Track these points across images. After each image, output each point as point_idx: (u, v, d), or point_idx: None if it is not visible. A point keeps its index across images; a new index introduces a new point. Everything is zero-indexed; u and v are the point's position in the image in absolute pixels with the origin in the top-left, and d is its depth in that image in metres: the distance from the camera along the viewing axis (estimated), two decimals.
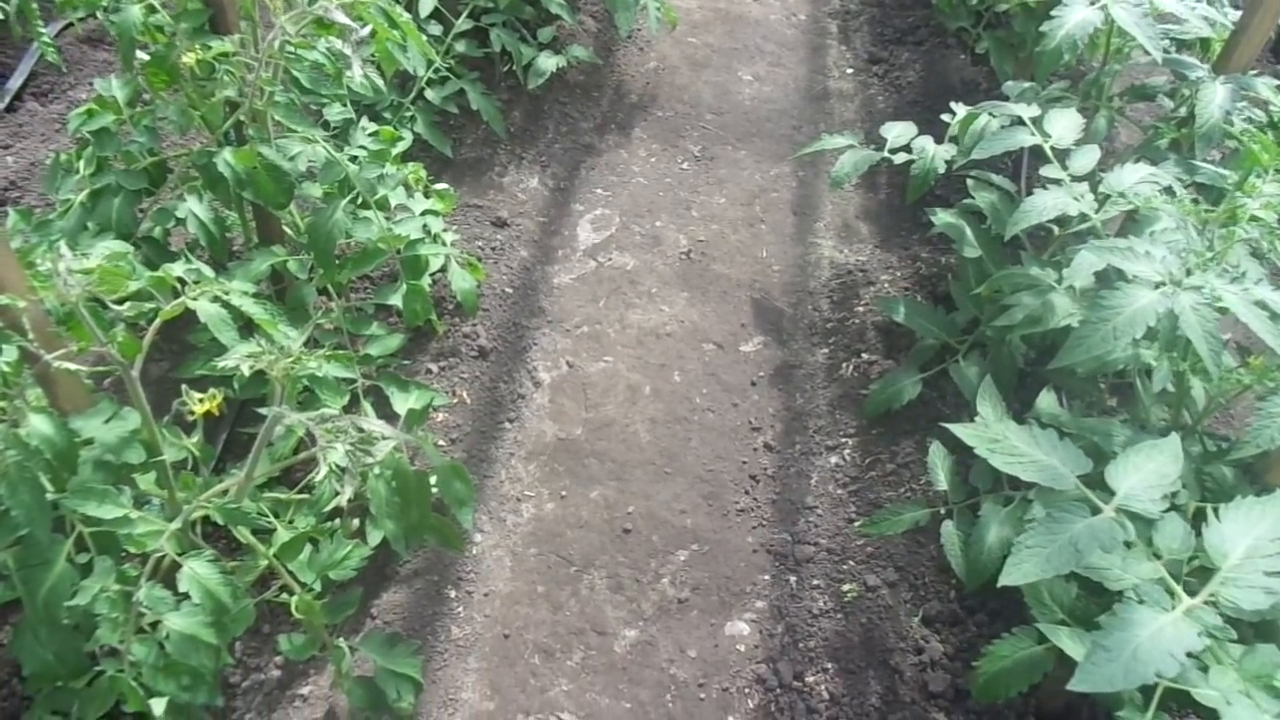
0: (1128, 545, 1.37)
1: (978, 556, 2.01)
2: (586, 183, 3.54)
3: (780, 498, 2.67)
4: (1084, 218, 2.10)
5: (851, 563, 2.54)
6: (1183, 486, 1.67)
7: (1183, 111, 2.59)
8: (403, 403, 1.89)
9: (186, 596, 1.44)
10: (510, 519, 2.57)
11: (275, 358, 1.39)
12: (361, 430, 1.44)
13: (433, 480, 1.84)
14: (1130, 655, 1.23)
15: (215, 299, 1.55)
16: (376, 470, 1.61)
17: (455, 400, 2.75)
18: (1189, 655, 1.26)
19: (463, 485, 1.84)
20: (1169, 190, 2.02)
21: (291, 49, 1.75)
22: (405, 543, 1.80)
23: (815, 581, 2.51)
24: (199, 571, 1.44)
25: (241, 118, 1.86)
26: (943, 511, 2.34)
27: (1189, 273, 1.64)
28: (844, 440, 2.81)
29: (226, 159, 1.88)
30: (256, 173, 1.84)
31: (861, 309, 3.17)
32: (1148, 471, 1.43)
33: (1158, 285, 1.59)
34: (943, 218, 2.72)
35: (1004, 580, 1.37)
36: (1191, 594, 1.36)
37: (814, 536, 2.59)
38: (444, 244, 2.50)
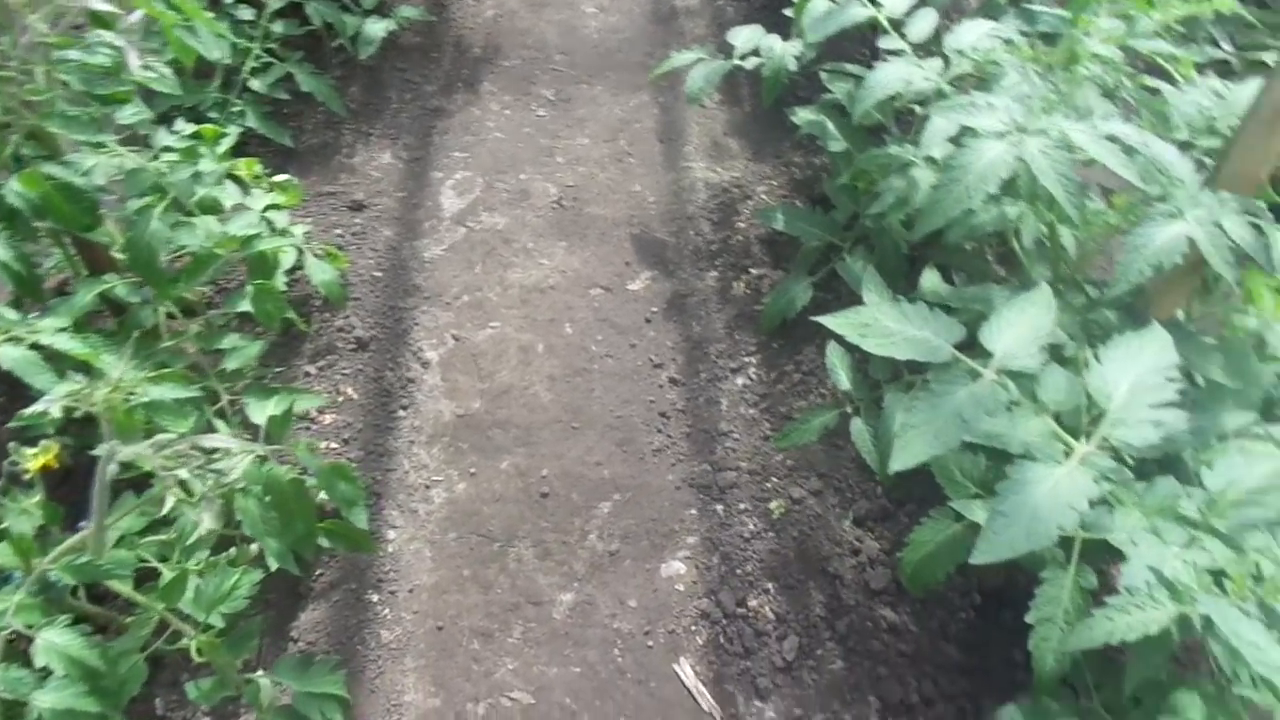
0: (1014, 405, 1.32)
1: (888, 448, 1.97)
2: (442, 148, 3.38)
3: (694, 429, 2.61)
4: (940, 92, 2.05)
5: (774, 480, 2.50)
6: (1070, 339, 1.65)
7: None
8: (261, 411, 1.76)
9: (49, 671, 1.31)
10: (422, 508, 2.46)
11: (90, 391, 1.26)
12: (205, 450, 1.32)
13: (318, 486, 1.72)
14: (1030, 516, 1.19)
15: (21, 342, 1.40)
16: (241, 487, 1.49)
17: (341, 398, 2.61)
18: (1096, 503, 1.23)
19: (348, 485, 1.73)
20: (1010, 43, 1.97)
21: (53, 50, 1.58)
22: (296, 558, 1.68)
23: (742, 506, 2.47)
24: (56, 641, 1.31)
25: (17, 138, 1.68)
26: (849, 410, 2.30)
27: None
28: (747, 360, 2.76)
29: (14, 188, 1.70)
30: (50, 196, 1.67)
31: (743, 225, 3.11)
32: (1022, 327, 1.38)
33: (1004, 135, 1.54)
34: (803, 116, 2.65)
35: (894, 466, 1.32)
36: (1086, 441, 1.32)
37: (734, 461, 2.54)
38: (292, 237, 2.35)
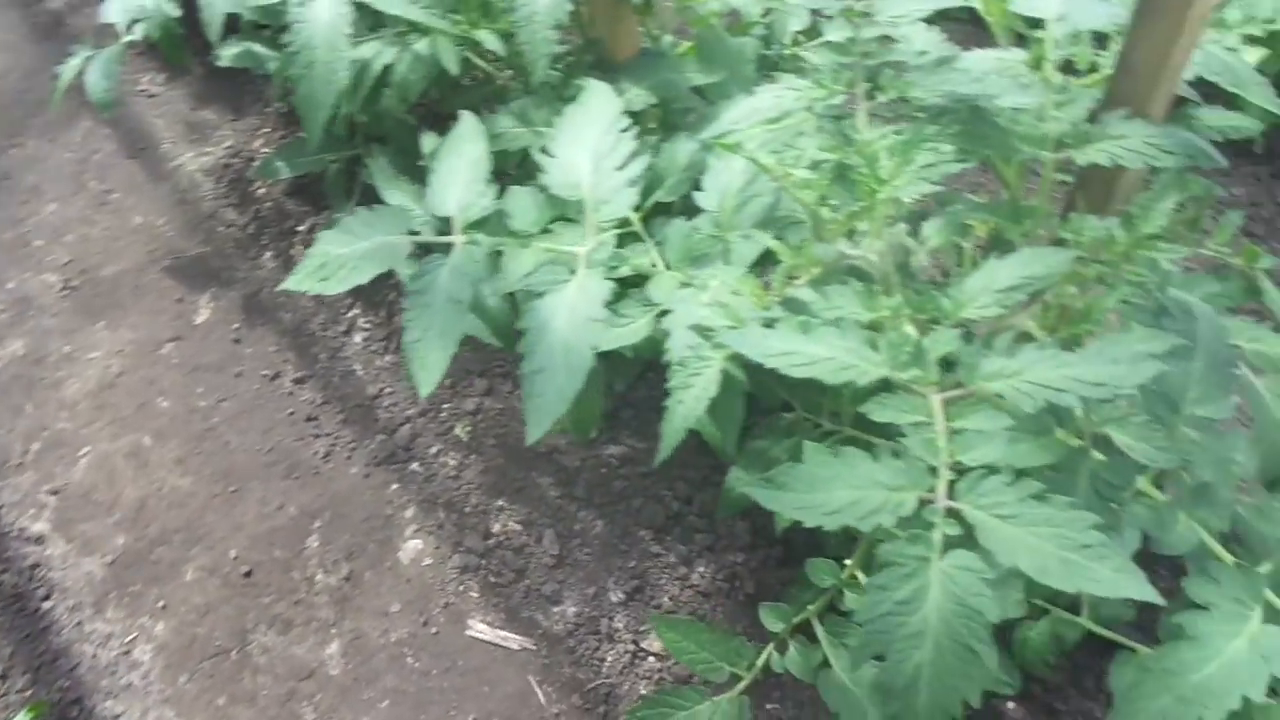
0: (498, 254, 1.22)
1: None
2: None
3: (346, 412, 2.41)
4: None
5: (445, 406, 2.37)
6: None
7: None
8: None
9: None
10: (135, 678, 2.15)
11: None
12: None
13: None
14: (562, 356, 1.13)
15: None
16: None
17: None
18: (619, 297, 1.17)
19: None
20: None
21: None
22: None
23: (433, 450, 2.33)
24: None
25: None
26: None
27: None
28: (350, 315, 2.55)
29: None
30: None
31: (263, 190, 2.81)
32: (463, 171, 1.28)
33: None
34: (227, 53, 2.34)
35: (422, 390, 1.21)
36: None
37: (401, 414, 2.38)
38: None
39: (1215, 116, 1.54)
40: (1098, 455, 1.09)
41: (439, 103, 2.44)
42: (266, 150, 2.86)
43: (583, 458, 2.23)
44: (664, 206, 1.76)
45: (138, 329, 2.65)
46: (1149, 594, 0.87)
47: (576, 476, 2.21)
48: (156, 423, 2.48)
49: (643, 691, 2.00)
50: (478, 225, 1.26)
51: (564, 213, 1.28)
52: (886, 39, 1.32)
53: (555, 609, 2.08)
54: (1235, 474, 1.31)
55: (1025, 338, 1.22)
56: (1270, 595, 1.30)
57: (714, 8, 1.81)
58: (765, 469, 0.97)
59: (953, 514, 0.92)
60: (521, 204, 1.29)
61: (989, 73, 1.27)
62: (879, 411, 0.98)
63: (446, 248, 1.28)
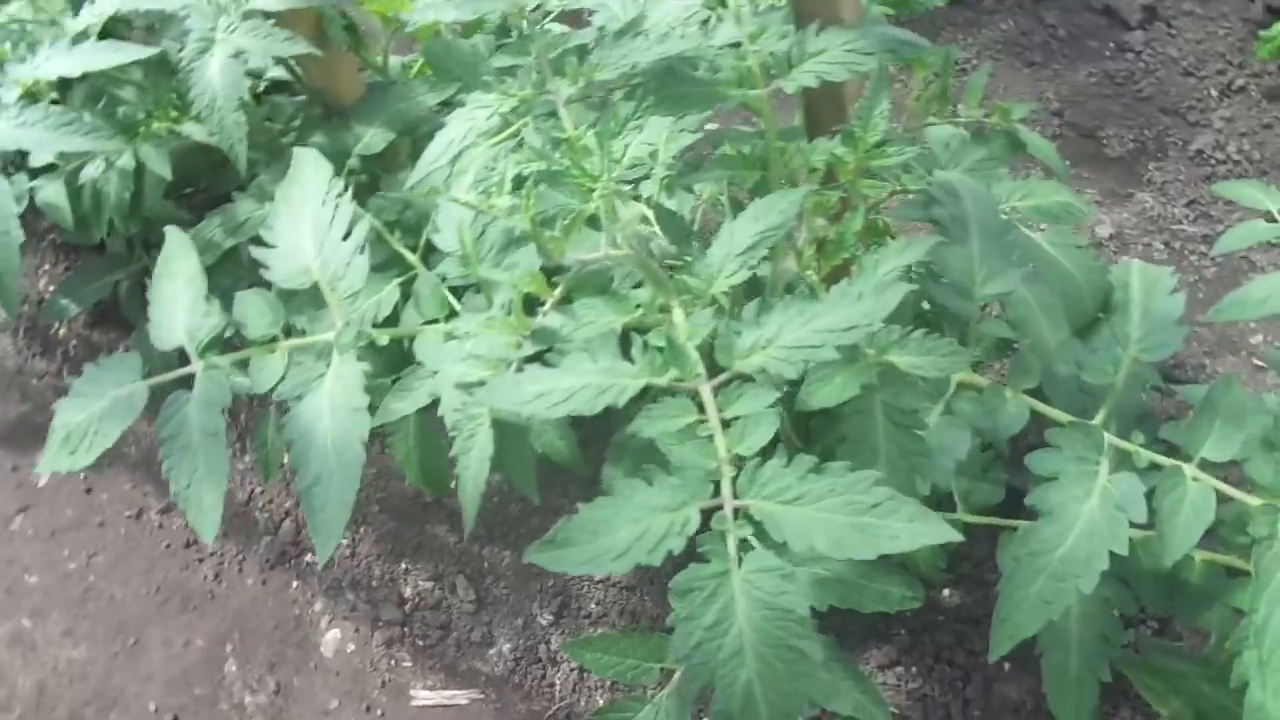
0: None
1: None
2: None
3: (224, 523, 2.30)
4: None
5: None
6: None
7: None
8: None
9: None
10: None
11: None
12: None
13: None
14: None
15: None
16: None
17: None
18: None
19: None
20: None
21: None
22: None
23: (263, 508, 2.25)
24: None
25: None
26: None
27: None
28: None
29: None
30: None
31: (64, 331, 2.65)
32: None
33: None
34: None
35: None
36: None
37: (278, 510, 2.29)
38: None
39: None
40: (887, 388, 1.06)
41: (205, 191, 2.32)
42: (53, 287, 2.69)
43: None
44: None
45: None
46: (946, 534, 0.84)
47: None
48: (31, 601, 2.35)
49: (599, 701, 1.98)
50: (211, 346, 1.17)
51: (299, 303, 1.20)
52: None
53: (490, 651, 2.04)
54: (1045, 334, 1.31)
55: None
56: (1110, 440, 1.31)
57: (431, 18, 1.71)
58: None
59: (741, 514, 0.88)
60: (253, 309, 1.20)
61: (675, 23, 1.21)
62: (648, 427, 0.94)
63: (188, 380, 1.20)
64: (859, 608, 1.35)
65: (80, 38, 1.45)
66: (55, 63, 1.38)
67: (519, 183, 1.07)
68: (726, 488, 0.89)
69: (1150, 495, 1.29)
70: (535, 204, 1.03)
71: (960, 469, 1.41)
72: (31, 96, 1.39)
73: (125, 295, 2.46)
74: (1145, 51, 2.56)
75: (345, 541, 2.22)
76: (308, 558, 2.23)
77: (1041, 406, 1.34)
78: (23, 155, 1.73)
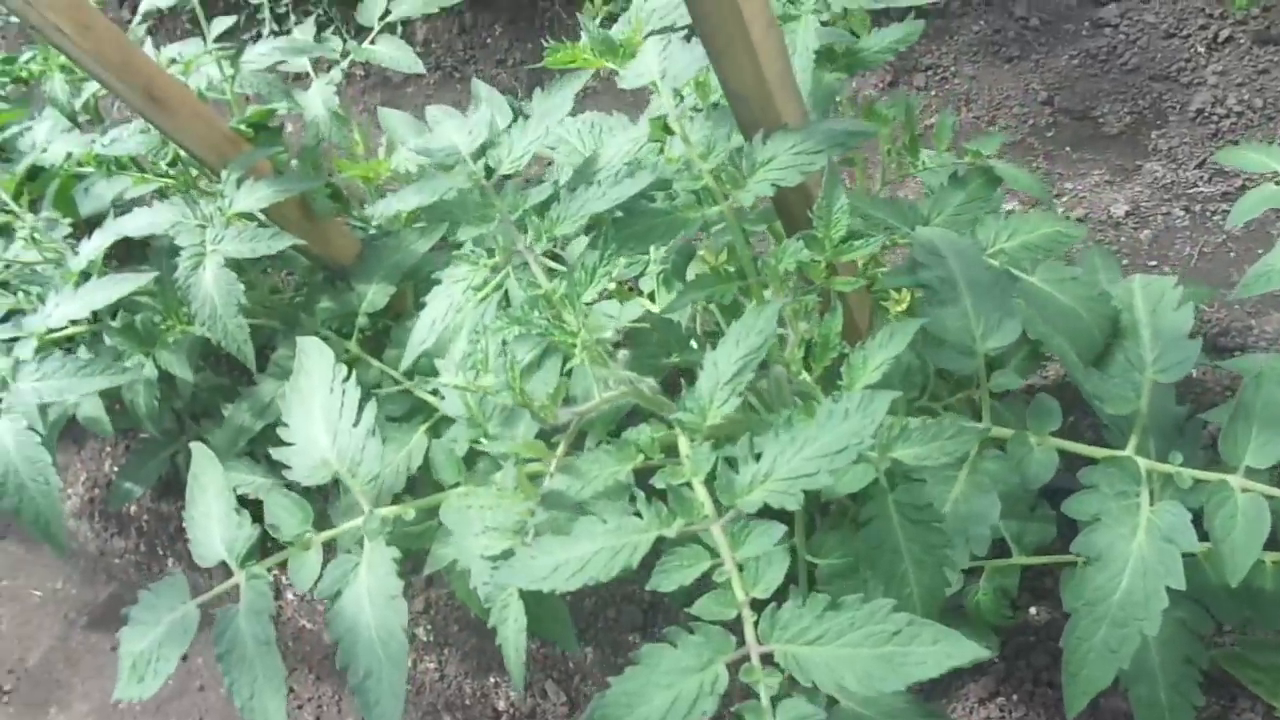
0: None
1: None
2: None
3: (315, 666, 2.36)
4: None
5: None
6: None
7: None
8: None
9: None
10: None
11: None
12: None
13: None
14: None
15: None
16: None
17: None
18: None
19: None
20: None
21: None
22: None
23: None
24: None
25: None
26: None
27: None
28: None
29: None
30: None
31: (134, 509, 2.75)
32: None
33: None
34: None
35: None
36: None
37: None
38: None
39: (877, 41, 1.51)
40: (897, 487, 1.06)
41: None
42: (116, 468, 2.80)
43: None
44: None
45: (89, 697, 2.59)
46: (972, 652, 0.83)
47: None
48: None
49: None
50: (250, 555, 1.22)
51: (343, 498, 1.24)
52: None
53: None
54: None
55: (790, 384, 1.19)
56: (1146, 466, 1.28)
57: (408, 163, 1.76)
58: None
59: (768, 661, 0.88)
60: (283, 510, 1.25)
61: (628, 159, 1.23)
62: (665, 581, 0.95)
63: (234, 592, 1.24)
64: None
65: (84, 275, 1.53)
66: (65, 308, 1.46)
67: (502, 352, 1.09)
68: (750, 635, 0.90)
69: (1200, 514, 1.26)
70: (522, 371, 1.06)
71: (1006, 512, 1.39)
72: (49, 345, 1.47)
73: (185, 465, 2.55)
74: (1122, 23, 2.51)
75: (434, 664, 2.26)
76: None
77: (1070, 445, 1.32)
78: None
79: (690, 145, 1.19)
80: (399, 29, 2.21)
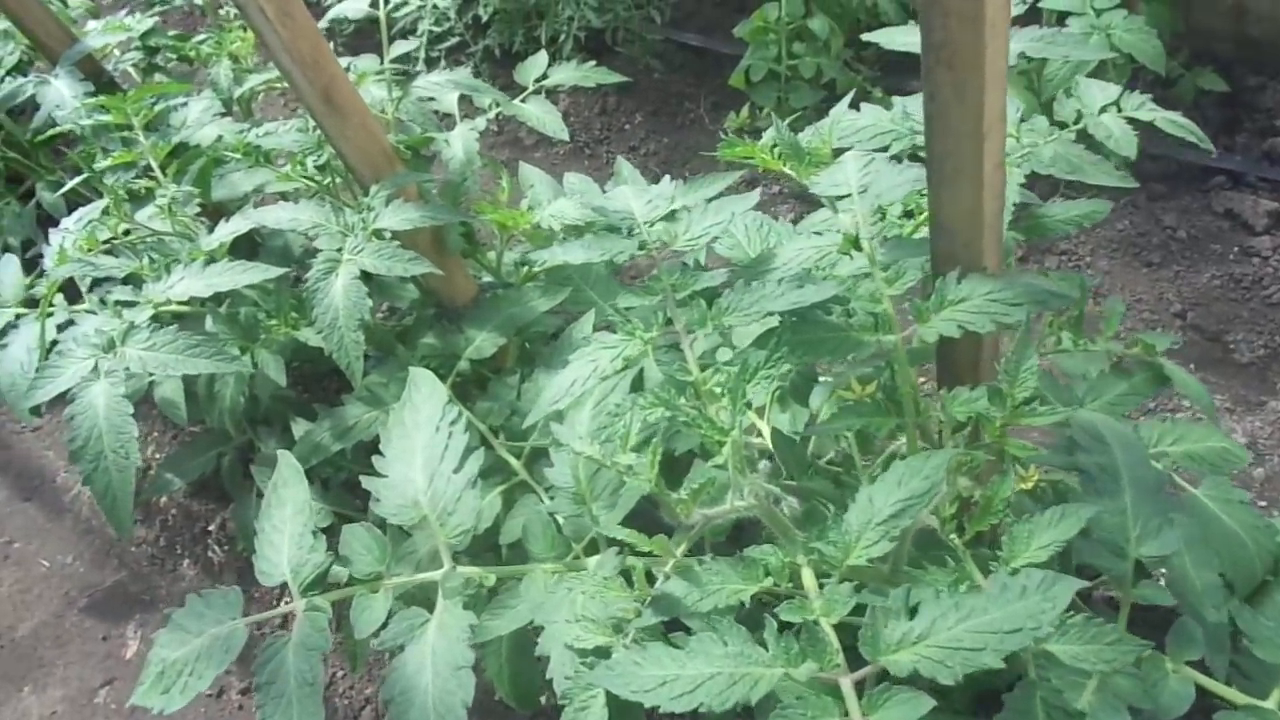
0: None
1: None
2: None
3: None
4: None
5: None
6: None
7: None
8: None
9: None
10: None
11: None
12: None
13: None
14: None
15: None
16: None
17: None
18: None
19: None
20: None
21: None
22: None
23: None
24: None
25: None
26: None
27: None
28: (281, 597, 2.39)
29: None
30: None
31: (165, 500, 2.67)
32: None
33: None
34: None
35: None
36: None
37: (358, 697, 2.20)
38: None
39: (1063, 211, 1.46)
40: (1046, 679, 0.95)
41: (314, 363, 2.35)
42: (159, 456, 2.74)
43: (553, 704, 2.06)
44: (543, 450, 1.64)
45: (67, 683, 2.46)
46: None
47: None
48: None
49: None
50: (315, 584, 1.13)
51: (403, 542, 1.16)
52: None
53: None
54: (1220, 590, 1.18)
55: (933, 539, 1.09)
56: None
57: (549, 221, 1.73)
58: None
59: None
60: (360, 544, 1.16)
61: (807, 263, 1.17)
62: None
63: (287, 618, 1.15)
64: None
65: (214, 254, 1.50)
66: (189, 283, 1.42)
67: (642, 442, 1.02)
68: None
69: None
70: (658, 457, 0.98)
71: None
72: (160, 316, 1.43)
73: (227, 469, 2.48)
74: (1273, 257, 2.45)
75: None
76: None
77: (1209, 683, 1.20)
78: None
79: (875, 266, 1.13)
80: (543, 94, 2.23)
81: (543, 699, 2.03)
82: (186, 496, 2.68)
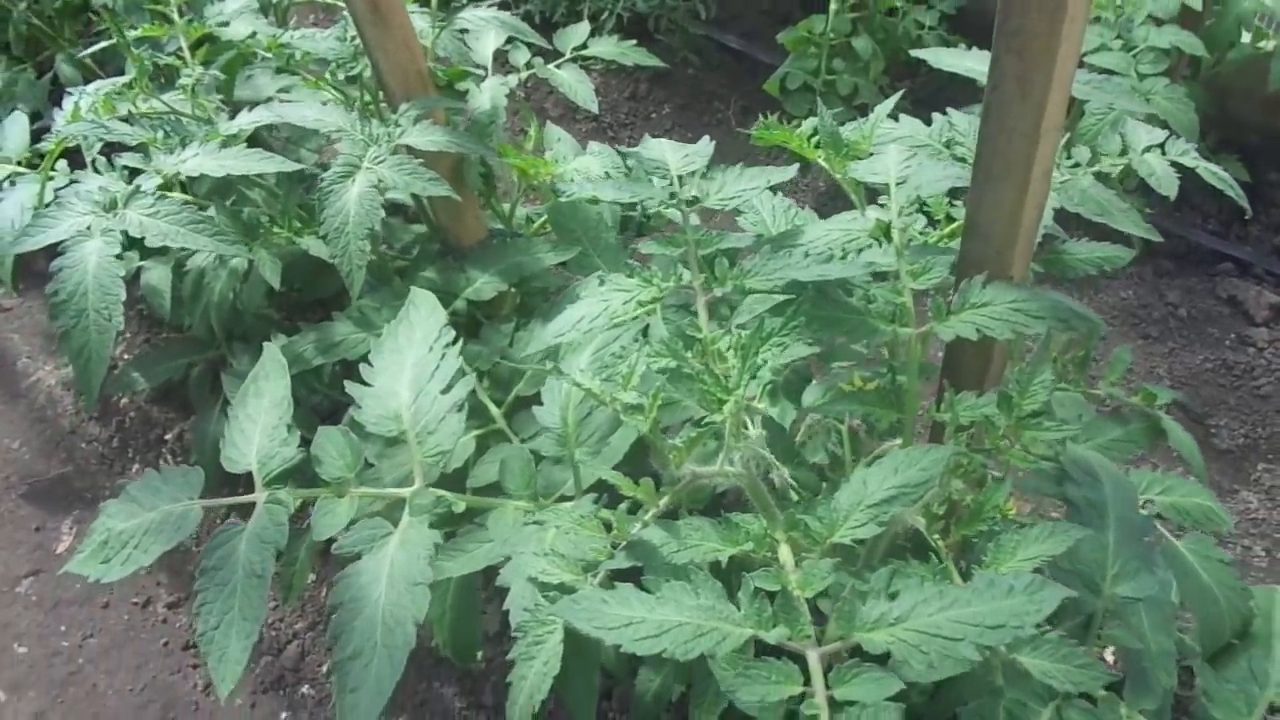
0: None
1: None
2: None
3: None
4: None
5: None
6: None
7: None
8: None
9: None
10: None
11: None
12: None
13: None
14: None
15: None
16: None
17: None
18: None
19: None
20: None
21: None
22: None
23: (324, 668, 2.11)
24: None
25: None
26: None
27: None
28: (228, 518, 2.35)
29: None
30: None
31: (125, 401, 2.61)
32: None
33: None
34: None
35: None
36: None
37: (286, 630, 2.17)
38: None
39: (1085, 250, 1.45)
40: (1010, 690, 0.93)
41: (300, 292, 2.30)
42: (128, 356, 2.67)
43: (489, 658, 2.03)
44: (526, 400, 1.61)
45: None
46: None
47: (482, 682, 2.00)
48: (13, 673, 2.21)
49: None
50: (281, 479, 1.09)
51: (383, 450, 1.12)
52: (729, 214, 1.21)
53: None
54: (1172, 656, 1.17)
55: (916, 537, 1.07)
56: None
57: (563, 177, 1.70)
58: None
59: None
60: (332, 447, 1.13)
61: (834, 245, 1.16)
62: (745, 692, 0.82)
63: (246, 509, 1.11)
64: None
65: (230, 140, 1.46)
66: (201, 160, 1.37)
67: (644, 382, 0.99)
68: None
69: None
70: (659, 408, 0.95)
71: None
72: (167, 186, 1.39)
73: (195, 378, 2.42)
74: (1269, 349, 2.47)
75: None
76: (304, 689, 2.08)
77: None
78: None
79: (903, 258, 1.12)
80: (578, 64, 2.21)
81: (479, 654, 2.00)
82: (148, 401, 2.62)
